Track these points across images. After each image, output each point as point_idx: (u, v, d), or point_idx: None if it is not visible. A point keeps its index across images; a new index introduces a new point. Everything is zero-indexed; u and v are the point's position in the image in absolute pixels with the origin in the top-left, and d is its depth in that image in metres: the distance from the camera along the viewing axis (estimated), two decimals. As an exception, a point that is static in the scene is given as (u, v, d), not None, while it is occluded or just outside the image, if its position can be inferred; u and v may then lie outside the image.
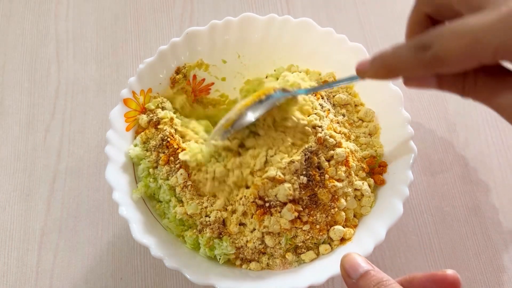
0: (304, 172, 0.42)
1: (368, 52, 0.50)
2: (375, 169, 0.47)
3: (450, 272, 0.31)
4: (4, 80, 0.62)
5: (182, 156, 0.45)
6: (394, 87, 0.47)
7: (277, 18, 0.52)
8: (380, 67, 0.34)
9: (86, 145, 0.58)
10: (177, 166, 0.45)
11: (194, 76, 0.54)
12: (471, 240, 0.51)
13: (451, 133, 0.57)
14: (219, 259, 0.44)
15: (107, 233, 0.52)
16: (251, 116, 0.42)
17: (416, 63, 0.32)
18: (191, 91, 0.54)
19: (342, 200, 0.43)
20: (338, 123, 0.47)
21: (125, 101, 0.48)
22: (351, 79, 0.40)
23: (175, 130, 0.48)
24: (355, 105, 0.50)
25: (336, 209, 0.43)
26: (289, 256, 0.43)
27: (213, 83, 0.55)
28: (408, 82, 0.35)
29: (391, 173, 0.46)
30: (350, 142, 0.47)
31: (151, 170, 0.47)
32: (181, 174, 0.44)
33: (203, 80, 0.54)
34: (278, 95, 0.43)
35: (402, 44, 0.33)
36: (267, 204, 0.42)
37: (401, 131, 0.46)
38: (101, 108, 0.60)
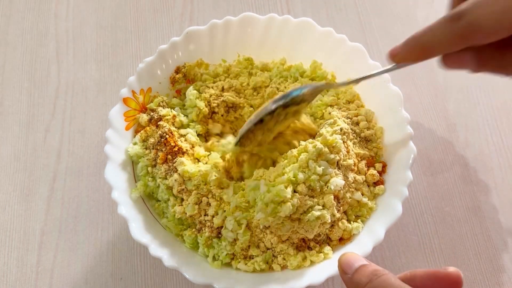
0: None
1: (368, 52, 0.49)
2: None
3: (452, 269, 0.30)
4: (4, 80, 0.62)
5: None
6: (394, 87, 0.47)
7: (277, 18, 0.52)
8: (413, 47, 0.33)
9: (86, 145, 0.58)
10: (172, 167, 0.45)
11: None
12: (471, 240, 0.51)
13: (451, 133, 0.57)
14: (218, 258, 0.44)
15: (107, 233, 0.52)
16: (272, 105, 0.41)
17: (450, 35, 0.30)
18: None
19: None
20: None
21: (125, 100, 0.48)
22: (387, 70, 0.38)
23: (176, 128, 0.48)
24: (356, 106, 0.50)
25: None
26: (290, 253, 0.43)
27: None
28: (447, 61, 0.34)
29: (390, 173, 0.46)
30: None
31: (149, 168, 0.47)
32: (175, 180, 0.44)
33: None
34: (301, 89, 0.42)
35: (436, 21, 0.31)
36: None
37: (400, 131, 0.45)
38: (101, 108, 0.60)
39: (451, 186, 0.54)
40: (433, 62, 0.61)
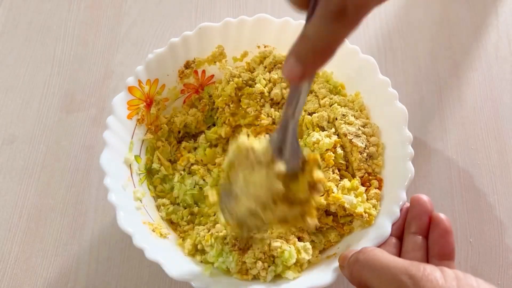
0: None
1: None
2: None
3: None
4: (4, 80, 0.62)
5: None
6: (400, 105, 0.46)
7: (292, 23, 0.51)
8: (314, 61, 0.30)
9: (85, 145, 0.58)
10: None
11: (204, 71, 0.54)
12: (471, 240, 0.51)
13: (450, 134, 0.57)
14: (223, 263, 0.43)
15: (105, 232, 0.52)
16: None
17: (343, 32, 0.29)
18: (198, 84, 0.54)
19: None
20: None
21: (130, 89, 0.48)
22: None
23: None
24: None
25: None
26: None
27: (221, 80, 0.54)
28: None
29: (386, 191, 0.45)
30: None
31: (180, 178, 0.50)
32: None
33: (212, 76, 0.54)
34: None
35: (317, 25, 0.29)
36: None
37: (401, 150, 0.44)
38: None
39: (451, 186, 0.54)
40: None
